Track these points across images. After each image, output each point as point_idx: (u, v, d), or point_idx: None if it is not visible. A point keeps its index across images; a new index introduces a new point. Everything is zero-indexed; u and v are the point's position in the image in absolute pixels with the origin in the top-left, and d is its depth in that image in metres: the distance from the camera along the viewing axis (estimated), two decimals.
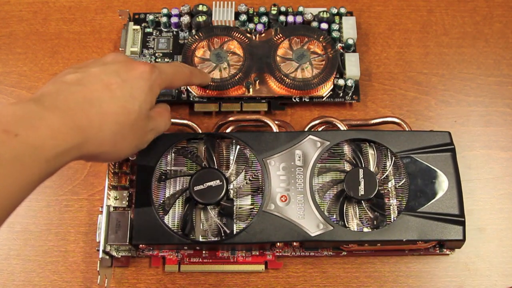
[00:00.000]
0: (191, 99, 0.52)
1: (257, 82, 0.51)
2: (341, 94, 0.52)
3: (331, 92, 0.52)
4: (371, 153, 0.48)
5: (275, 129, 0.49)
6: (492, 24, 0.57)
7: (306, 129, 0.49)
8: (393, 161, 0.47)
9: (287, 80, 0.50)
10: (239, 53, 0.52)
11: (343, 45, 0.54)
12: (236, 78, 0.51)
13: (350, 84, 0.51)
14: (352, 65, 0.52)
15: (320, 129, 0.49)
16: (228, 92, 0.51)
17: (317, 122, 0.49)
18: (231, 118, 0.50)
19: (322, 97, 0.52)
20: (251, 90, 0.51)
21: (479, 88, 0.54)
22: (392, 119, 0.50)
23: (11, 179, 0.31)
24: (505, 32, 0.57)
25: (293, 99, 0.52)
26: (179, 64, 0.47)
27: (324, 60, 0.52)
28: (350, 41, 0.53)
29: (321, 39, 0.52)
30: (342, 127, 0.49)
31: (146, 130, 0.41)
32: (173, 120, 0.50)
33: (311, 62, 0.52)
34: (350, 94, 0.52)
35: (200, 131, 0.49)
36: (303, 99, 0.52)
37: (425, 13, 0.58)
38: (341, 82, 0.52)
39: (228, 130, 0.49)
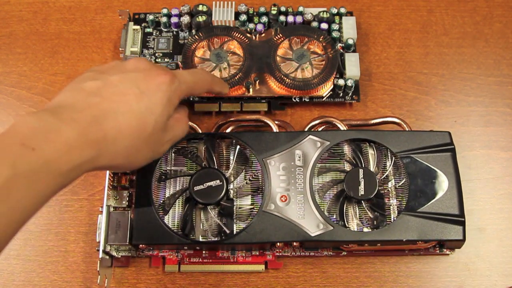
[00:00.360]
0: (191, 99, 0.52)
1: (257, 82, 0.51)
2: (341, 94, 0.52)
3: (331, 92, 0.52)
4: (371, 153, 0.48)
5: (275, 129, 0.49)
6: (492, 24, 0.57)
7: (306, 129, 0.49)
8: (393, 161, 0.47)
9: (287, 80, 0.50)
10: (239, 53, 0.52)
11: (343, 45, 0.54)
12: (236, 78, 0.51)
13: (350, 84, 0.51)
14: (352, 65, 0.52)
15: (320, 129, 0.49)
16: (228, 92, 0.51)
17: (317, 122, 0.49)
18: (231, 118, 0.50)
19: (322, 97, 0.52)
20: (251, 90, 0.51)
21: (479, 88, 0.54)
22: (392, 119, 0.50)
23: (26, 192, 0.31)
24: (505, 32, 0.57)
25: (293, 99, 0.52)
26: (201, 71, 0.46)
27: (324, 60, 0.52)
28: (350, 41, 0.53)
29: (321, 39, 0.52)
30: (342, 127, 0.49)
31: (162, 141, 0.40)
32: None
33: (311, 62, 0.52)
34: (350, 94, 0.52)
35: (200, 131, 0.49)
36: (303, 99, 0.52)
37: (425, 13, 0.58)
38: (341, 82, 0.52)
39: (228, 130, 0.49)
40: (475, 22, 0.57)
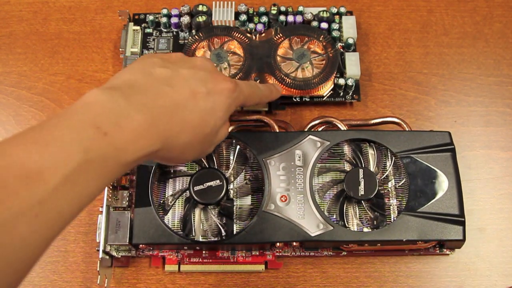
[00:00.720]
0: None
1: (257, 82, 0.51)
2: (341, 94, 0.52)
3: (331, 92, 0.52)
4: (371, 153, 0.48)
5: (275, 129, 0.49)
6: (492, 24, 0.57)
7: (306, 129, 0.49)
8: (393, 161, 0.47)
9: (287, 79, 0.50)
10: (239, 53, 0.52)
11: (343, 44, 0.54)
12: (236, 78, 0.51)
13: (350, 84, 0.51)
14: (352, 64, 0.52)
15: (320, 129, 0.49)
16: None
17: (317, 122, 0.49)
18: (231, 118, 0.50)
19: (323, 97, 0.52)
20: None
21: (479, 88, 0.54)
22: (392, 119, 0.50)
23: (93, 180, 0.30)
24: (505, 32, 0.57)
25: (294, 99, 0.52)
26: (255, 84, 0.46)
27: (324, 59, 0.52)
28: (350, 41, 0.53)
29: (321, 39, 0.52)
30: (342, 127, 0.49)
31: (212, 143, 0.41)
32: None
33: (311, 62, 0.52)
34: (350, 94, 0.52)
35: None
36: (304, 99, 0.52)
37: (425, 13, 0.58)
38: (341, 81, 0.52)
39: None
40: (475, 22, 0.57)
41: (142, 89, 0.34)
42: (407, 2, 0.58)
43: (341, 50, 0.54)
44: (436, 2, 0.58)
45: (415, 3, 0.58)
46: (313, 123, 0.49)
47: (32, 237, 0.27)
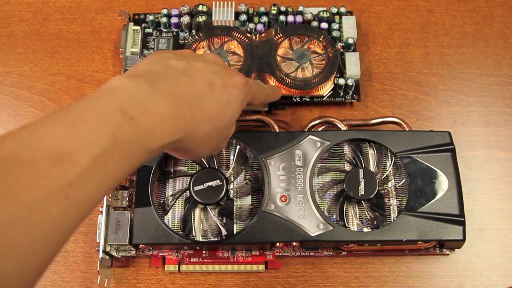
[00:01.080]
0: None
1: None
2: (341, 94, 0.52)
3: (331, 92, 0.52)
4: (371, 153, 0.48)
5: (275, 129, 0.49)
6: (492, 24, 0.57)
7: (306, 129, 0.49)
8: (393, 161, 0.47)
9: (287, 79, 0.50)
10: (239, 53, 0.52)
11: (343, 44, 0.54)
12: None
13: (350, 84, 0.51)
14: (353, 64, 0.52)
15: (320, 129, 0.49)
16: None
17: (317, 122, 0.49)
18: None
19: (323, 97, 0.52)
20: None
21: (479, 88, 0.54)
22: (392, 119, 0.50)
23: (120, 164, 0.29)
24: (505, 32, 0.57)
25: (294, 99, 0.52)
26: (260, 83, 0.47)
27: (324, 59, 0.52)
28: (350, 41, 0.53)
29: (321, 39, 0.52)
30: (342, 127, 0.49)
31: (226, 137, 0.40)
32: None
33: (311, 62, 0.52)
34: (350, 94, 0.52)
35: None
36: (304, 99, 0.52)
37: (425, 13, 0.58)
38: (341, 81, 0.52)
39: None
40: (475, 22, 0.57)
41: (164, 77, 0.34)
42: (407, 2, 0.58)
43: (341, 50, 0.54)
44: (436, 2, 0.58)
45: (415, 3, 0.58)
46: (313, 123, 0.49)
47: (62, 219, 0.27)
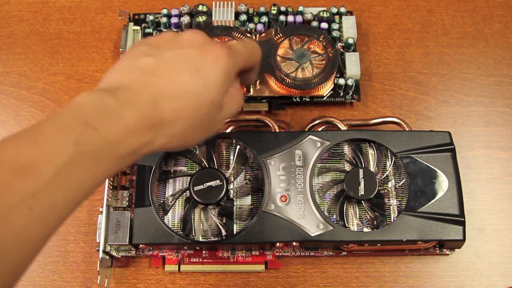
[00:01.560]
0: None
1: (257, 82, 0.51)
2: (341, 94, 0.52)
3: (331, 92, 0.52)
4: (371, 153, 0.48)
5: (275, 129, 0.49)
6: (492, 24, 0.57)
7: (306, 129, 0.49)
8: (393, 161, 0.47)
9: (287, 79, 0.50)
10: None
11: (343, 44, 0.54)
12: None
13: (350, 84, 0.51)
14: (353, 64, 0.52)
15: (320, 129, 0.49)
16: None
17: (317, 122, 0.49)
18: (231, 118, 0.50)
19: (323, 97, 0.52)
20: (251, 90, 0.51)
21: (479, 88, 0.54)
22: (392, 119, 0.50)
23: (87, 173, 0.30)
24: (505, 32, 0.57)
25: (294, 99, 0.52)
26: (249, 41, 0.44)
27: (324, 59, 0.52)
28: (350, 41, 0.53)
29: (321, 39, 0.52)
30: (342, 127, 0.49)
31: (217, 120, 0.38)
32: None
33: (311, 62, 0.52)
34: (350, 94, 0.52)
35: None
36: (304, 99, 0.52)
37: (425, 13, 0.58)
38: (341, 81, 0.52)
39: (228, 130, 0.49)
40: (475, 22, 0.57)
41: (127, 86, 0.34)
42: (407, 2, 0.58)
43: (341, 50, 0.54)
44: (436, 2, 0.58)
45: (415, 3, 0.58)
46: (313, 123, 0.49)
47: (27, 231, 0.27)
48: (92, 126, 0.30)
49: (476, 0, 0.58)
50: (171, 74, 0.35)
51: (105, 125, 0.31)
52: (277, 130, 0.49)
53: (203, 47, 0.37)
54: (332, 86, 0.52)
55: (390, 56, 0.56)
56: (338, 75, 0.52)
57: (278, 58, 0.52)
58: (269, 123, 0.49)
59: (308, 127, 0.49)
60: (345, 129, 0.49)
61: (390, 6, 0.58)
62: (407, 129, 0.49)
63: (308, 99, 0.52)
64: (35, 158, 0.27)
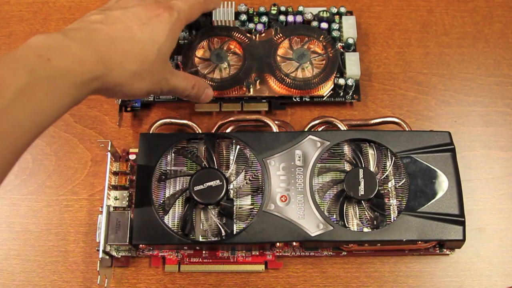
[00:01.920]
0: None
1: (257, 82, 0.51)
2: (341, 94, 0.52)
3: (331, 92, 0.52)
4: (371, 153, 0.48)
5: (275, 129, 0.49)
6: (492, 24, 0.57)
7: (306, 129, 0.49)
8: (393, 161, 0.47)
9: (287, 79, 0.50)
10: (239, 53, 0.52)
11: (343, 44, 0.54)
12: (236, 78, 0.51)
13: (350, 84, 0.51)
14: (353, 64, 0.52)
15: (320, 129, 0.49)
16: (228, 92, 0.51)
17: (317, 122, 0.49)
18: (231, 118, 0.50)
19: (323, 97, 0.52)
20: (251, 90, 0.51)
21: (479, 88, 0.54)
22: (392, 119, 0.50)
23: (46, 97, 0.33)
24: (505, 32, 0.57)
25: (294, 99, 0.52)
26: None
27: (324, 59, 0.52)
28: (350, 41, 0.53)
29: (321, 39, 0.52)
30: (342, 127, 0.49)
31: (163, 75, 0.42)
32: (173, 120, 0.50)
33: (311, 62, 0.52)
34: (350, 94, 0.52)
35: (200, 131, 0.49)
36: (304, 99, 0.52)
37: (425, 13, 0.58)
38: (341, 81, 0.52)
39: (228, 130, 0.49)
40: (475, 22, 0.57)
41: (79, 29, 0.38)
42: (407, 2, 0.58)
43: (341, 50, 0.54)
44: (436, 2, 0.58)
45: (415, 3, 0.58)
46: (313, 123, 0.49)
47: None
48: (45, 58, 0.33)
49: (476, 0, 0.58)
50: (119, 25, 0.39)
51: (56, 57, 0.34)
52: (277, 130, 0.49)
53: (147, 6, 0.41)
54: (332, 86, 0.52)
55: (390, 56, 0.56)
56: (338, 75, 0.52)
57: (278, 58, 0.52)
58: (269, 123, 0.49)
59: (308, 127, 0.49)
60: (345, 129, 0.49)
61: (390, 6, 0.58)
62: (407, 129, 0.49)
63: (308, 99, 0.52)
64: None
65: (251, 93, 0.51)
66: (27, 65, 0.33)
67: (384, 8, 0.58)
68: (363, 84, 0.54)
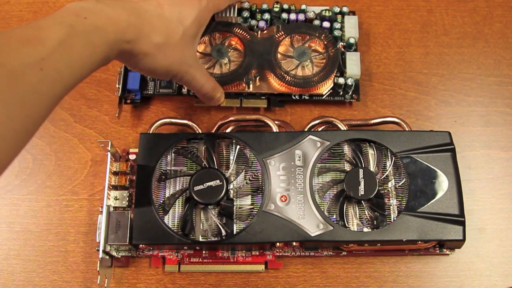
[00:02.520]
0: (191, 93, 0.51)
1: (257, 78, 0.51)
2: (341, 93, 0.52)
3: (331, 91, 0.52)
4: (371, 153, 0.48)
5: (275, 129, 0.49)
6: (492, 24, 0.57)
7: (306, 129, 0.49)
8: (393, 161, 0.47)
9: (287, 77, 0.50)
10: (240, 49, 0.52)
11: (344, 44, 0.54)
12: (236, 73, 0.50)
13: (350, 83, 0.51)
14: (353, 64, 0.52)
15: (320, 129, 0.49)
16: (228, 88, 0.51)
17: (317, 122, 0.49)
18: (231, 118, 0.50)
19: (322, 95, 0.52)
20: (251, 86, 0.51)
21: (479, 88, 0.54)
22: (392, 119, 0.50)
23: (84, 49, 0.36)
24: (505, 32, 0.57)
25: (293, 97, 0.52)
26: None
27: (325, 58, 0.52)
28: (352, 40, 0.53)
29: (322, 38, 0.52)
30: (342, 127, 0.49)
31: (186, 60, 0.44)
32: (173, 120, 0.50)
33: (311, 60, 0.52)
34: (350, 93, 0.52)
35: (200, 131, 0.49)
36: (303, 97, 0.52)
37: (425, 13, 0.58)
38: (341, 80, 0.51)
39: (228, 130, 0.49)
40: (475, 22, 0.57)
41: (110, 2, 0.40)
42: (407, 2, 0.58)
43: (342, 49, 0.54)
44: (436, 2, 0.58)
45: (415, 3, 0.58)
46: (313, 123, 0.49)
47: (39, 85, 0.32)
48: (82, 16, 0.36)
49: (476, 0, 0.58)
50: (152, 0, 0.43)
51: (92, 16, 0.37)
52: (277, 130, 0.49)
53: None
54: (332, 85, 0.52)
55: (390, 56, 0.56)
56: (338, 75, 0.52)
57: (279, 56, 0.52)
58: (269, 123, 0.49)
59: (308, 127, 0.49)
60: (345, 129, 0.49)
61: (390, 6, 0.58)
62: (407, 129, 0.49)
63: (308, 97, 0.52)
64: (39, 34, 0.34)
65: (251, 89, 0.51)
66: (67, 21, 0.35)
67: (384, 8, 0.58)
68: (363, 84, 0.54)
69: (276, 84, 0.51)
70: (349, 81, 0.51)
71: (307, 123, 0.50)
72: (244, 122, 0.50)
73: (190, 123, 0.49)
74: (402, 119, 0.50)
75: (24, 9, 0.58)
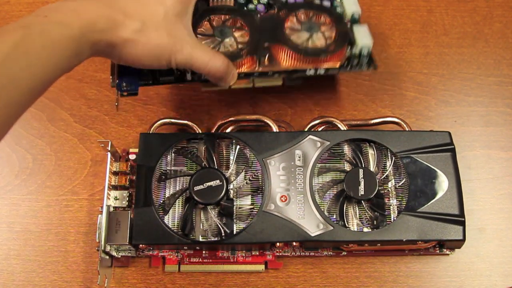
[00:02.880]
0: (196, 78, 0.47)
1: (266, 56, 0.48)
2: (356, 63, 0.49)
3: (346, 62, 0.49)
4: (371, 153, 0.48)
5: (275, 129, 0.49)
6: (492, 24, 0.57)
7: (306, 129, 0.49)
8: (393, 161, 0.47)
9: (300, 48, 0.47)
10: (245, 28, 0.48)
11: (349, 20, 0.50)
12: (245, 51, 0.47)
13: (364, 53, 0.49)
14: (363, 35, 0.49)
15: (320, 129, 0.49)
16: (237, 68, 0.46)
17: (317, 122, 0.49)
18: (231, 118, 0.50)
19: (338, 68, 0.48)
20: (265, 62, 0.48)
21: (479, 88, 0.54)
22: (392, 119, 0.50)
23: (43, 49, 0.34)
24: (505, 32, 0.57)
25: (307, 72, 0.48)
26: None
27: (334, 32, 0.48)
28: (356, 16, 0.50)
29: (327, 13, 0.49)
30: (342, 127, 0.49)
31: (174, 41, 0.42)
32: (173, 120, 0.50)
33: (322, 32, 0.48)
34: (366, 63, 0.49)
35: (200, 131, 0.49)
36: (318, 72, 0.48)
37: (425, 13, 0.58)
38: (355, 50, 0.49)
39: (228, 130, 0.49)
40: (475, 22, 0.57)
41: None
42: (407, 2, 0.58)
43: (349, 24, 0.50)
44: (436, 2, 0.58)
45: (415, 3, 0.58)
46: (313, 123, 0.49)
47: None
48: (41, 16, 0.35)
49: (476, 0, 0.58)
50: None
51: (53, 13, 0.36)
52: (277, 130, 0.49)
53: None
54: (347, 56, 0.49)
55: (390, 56, 0.56)
56: (350, 47, 0.49)
57: (287, 31, 0.48)
58: (269, 123, 0.49)
59: (308, 127, 0.49)
60: (345, 129, 0.49)
61: (390, 6, 0.58)
62: (407, 129, 0.49)
63: (323, 72, 0.48)
64: None
65: (261, 69, 0.48)
66: (24, 23, 0.35)
67: (384, 8, 0.58)
68: (363, 84, 0.54)
69: (288, 60, 0.48)
70: (364, 51, 0.48)
71: (307, 123, 0.50)
72: (244, 122, 0.50)
73: (190, 123, 0.49)
74: (402, 119, 0.50)
75: (24, 9, 0.58)
